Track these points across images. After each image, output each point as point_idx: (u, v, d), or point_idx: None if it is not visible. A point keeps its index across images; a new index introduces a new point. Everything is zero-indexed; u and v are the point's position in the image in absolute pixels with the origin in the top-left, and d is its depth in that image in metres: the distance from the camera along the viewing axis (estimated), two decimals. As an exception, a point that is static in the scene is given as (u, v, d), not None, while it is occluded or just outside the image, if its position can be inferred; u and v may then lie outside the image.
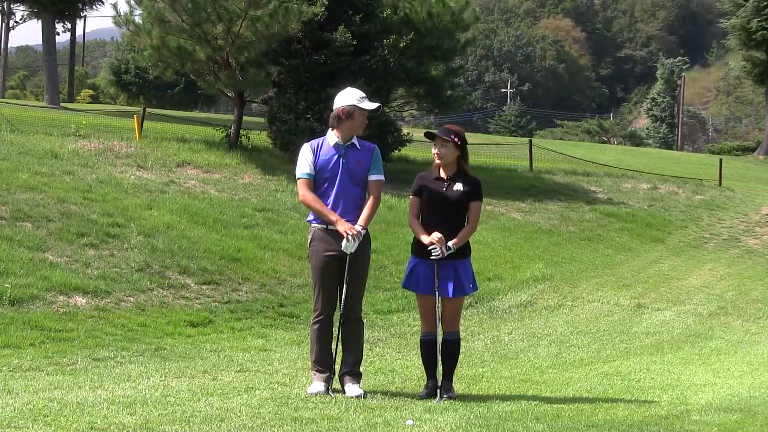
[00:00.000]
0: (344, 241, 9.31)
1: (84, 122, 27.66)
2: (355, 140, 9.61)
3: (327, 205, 9.46)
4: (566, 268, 21.86)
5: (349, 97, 9.57)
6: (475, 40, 36.04)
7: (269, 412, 8.20)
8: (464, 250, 9.78)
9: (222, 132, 27.91)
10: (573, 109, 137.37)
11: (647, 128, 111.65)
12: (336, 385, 9.57)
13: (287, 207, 21.68)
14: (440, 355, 9.79)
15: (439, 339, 9.78)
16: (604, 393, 10.69)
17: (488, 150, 46.88)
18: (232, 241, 18.45)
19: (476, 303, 18.37)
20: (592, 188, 32.16)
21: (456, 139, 9.74)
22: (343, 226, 9.32)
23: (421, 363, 10.14)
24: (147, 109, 32.31)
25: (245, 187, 22.96)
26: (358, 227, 9.36)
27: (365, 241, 9.55)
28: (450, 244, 9.54)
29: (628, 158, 49.44)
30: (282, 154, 27.18)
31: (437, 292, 9.64)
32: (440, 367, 9.76)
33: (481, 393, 10.27)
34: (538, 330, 16.62)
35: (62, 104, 53.79)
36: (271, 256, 18.26)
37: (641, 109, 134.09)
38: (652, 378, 12.15)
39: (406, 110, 36.27)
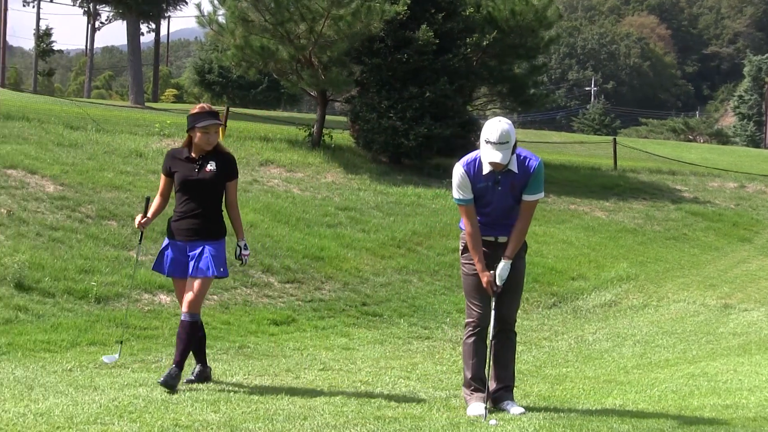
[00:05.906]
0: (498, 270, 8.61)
1: (168, 121, 27.92)
2: (513, 165, 8.46)
3: (480, 224, 8.61)
4: (651, 268, 21.60)
5: (482, 133, 8.43)
6: (558, 38, 35.81)
7: (352, 411, 8.17)
8: (219, 231, 9.11)
9: (305, 131, 28.06)
10: (658, 107, 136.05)
11: (734, 126, 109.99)
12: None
13: (370, 206, 21.69)
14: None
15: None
16: (690, 394, 10.50)
17: (572, 149, 46.56)
18: (314, 239, 18.52)
19: (560, 303, 18.25)
20: (678, 187, 31.76)
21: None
22: (484, 279, 8.60)
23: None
24: (230, 109, 32.56)
25: (328, 186, 23.03)
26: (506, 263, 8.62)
27: (521, 249, 8.78)
28: None
29: (715, 157, 48.71)
30: (365, 153, 27.23)
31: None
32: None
33: (565, 393, 10.17)
34: (623, 330, 16.43)
35: (147, 104, 54.52)
36: (353, 255, 18.28)
37: (728, 107, 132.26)
38: (740, 379, 11.92)
39: (489, 109, 36.15)
